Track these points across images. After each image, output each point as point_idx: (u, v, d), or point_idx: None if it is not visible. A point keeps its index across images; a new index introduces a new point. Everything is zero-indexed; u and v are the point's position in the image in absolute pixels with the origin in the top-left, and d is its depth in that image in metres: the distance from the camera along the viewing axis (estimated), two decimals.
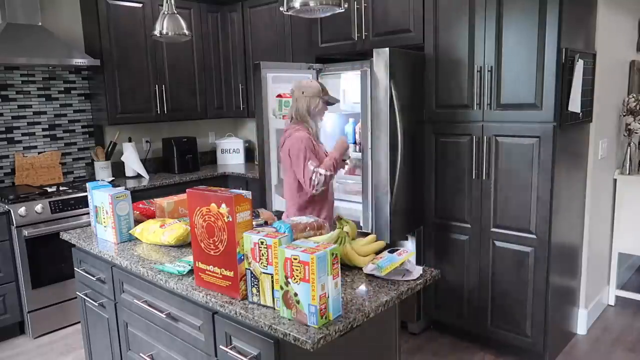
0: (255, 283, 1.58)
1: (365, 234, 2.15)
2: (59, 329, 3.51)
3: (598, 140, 3.15)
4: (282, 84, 3.24)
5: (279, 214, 2.92)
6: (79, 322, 2.71)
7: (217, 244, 1.65)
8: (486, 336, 3.05)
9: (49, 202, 3.43)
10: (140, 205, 2.50)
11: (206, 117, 4.69)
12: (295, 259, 1.41)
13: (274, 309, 1.55)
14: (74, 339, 3.37)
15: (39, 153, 3.93)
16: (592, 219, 3.19)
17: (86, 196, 2.48)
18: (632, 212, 3.47)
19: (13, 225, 3.29)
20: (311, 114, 2.71)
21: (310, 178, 2.56)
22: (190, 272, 1.84)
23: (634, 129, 3.44)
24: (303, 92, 2.70)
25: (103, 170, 4.11)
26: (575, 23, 2.73)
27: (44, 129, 3.95)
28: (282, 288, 1.48)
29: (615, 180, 3.52)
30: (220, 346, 1.66)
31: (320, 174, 2.56)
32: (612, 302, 3.65)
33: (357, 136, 3.50)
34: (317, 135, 2.77)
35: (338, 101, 2.86)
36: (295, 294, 1.44)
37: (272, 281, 1.53)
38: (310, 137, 2.66)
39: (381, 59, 2.82)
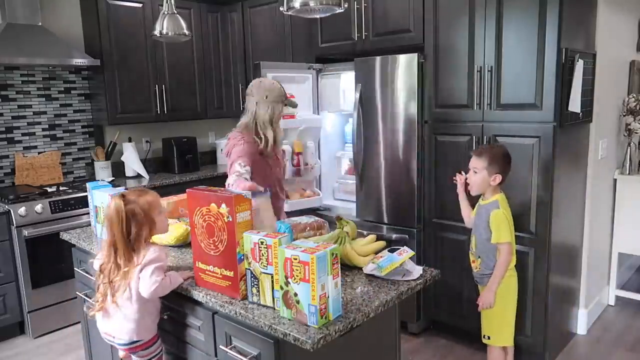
0: (255, 283, 1.58)
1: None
2: (59, 329, 3.51)
3: (598, 140, 3.15)
4: (283, 84, 3.24)
5: None
6: (79, 322, 2.71)
7: (217, 244, 1.65)
8: None
9: (49, 202, 3.43)
10: None
11: (206, 117, 4.69)
12: (295, 259, 1.41)
13: (274, 309, 1.55)
14: (74, 339, 3.37)
15: (39, 153, 3.93)
16: (592, 219, 3.19)
17: (86, 196, 2.48)
18: (632, 212, 3.47)
19: (13, 225, 3.29)
20: (274, 122, 2.37)
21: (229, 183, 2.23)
22: None
23: (634, 129, 3.44)
24: (267, 97, 2.34)
25: (103, 170, 4.11)
26: (575, 23, 2.73)
27: (44, 129, 3.95)
28: (282, 288, 1.48)
29: (615, 180, 3.52)
30: (220, 346, 1.66)
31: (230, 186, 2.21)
32: (612, 302, 3.65)
33: None
34: (278, 145, 2.48)
35: (297, 105, 2.50)
36: (295, 294, 1.44)
37: (272, 281, 1.53)
38: (256, 152, 2.36)
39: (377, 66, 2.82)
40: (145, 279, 1.69)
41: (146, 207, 1.73)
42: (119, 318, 1.77)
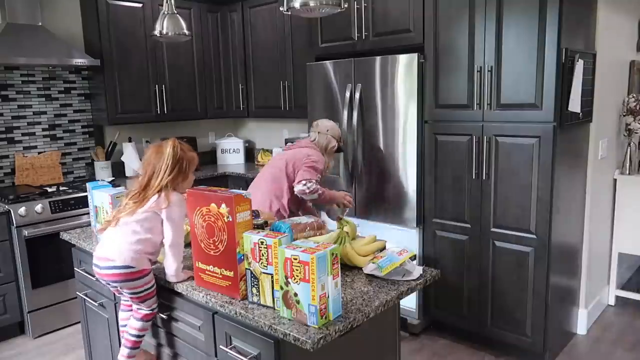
0: (255, 283, 1.58)
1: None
2: (59, 329, 3.51)
3: (598, 140, 3.15)
4: None
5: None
6: (79, 322, 2.71)
7: (217, 244, 1.65)
8: (486, 336, 3.05)
9: (49, 202, 3.43)
10: None
11: (206, 117, 4.69)
12: (295, 259, 1.41)
13: (274, 309, 1.55)
14: (74, 339, 3.37)
15: (39, 153, 3.93)
16: (592, 219, 3.19)
17: (86, 196, 2.48)
18: (632, 212, 3.47)
19: (13, 225, 3.29)
20: (327, 151, 2.89)
21: (306, 182, 2.67)
22: None
23: (634, 129, 3.44)
24: (328, 130, 2.91)
25: (103, 170, 4.11)
26: (575, 23, 2.73)
27: (44, 129, 3.95)
28: (282, 288, 1.48)
29: (615, 180, 3.52)
30: (220, 346, 1.66)
31: (312, 183, 2.67)
32: (612, 302, 3.65)
33: None
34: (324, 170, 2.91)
35: (343, 152, 3.16)
36: (295, 294, 1.44)
37: (272, 281, 1.53)
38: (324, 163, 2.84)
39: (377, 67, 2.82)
40: (178, 210, 1.82)
41: (189, 161, 1.91)
42: (118, 240, 1.82)
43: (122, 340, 1.94)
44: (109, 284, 1.88)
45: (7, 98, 3.75)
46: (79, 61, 3.68)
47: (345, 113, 3.33)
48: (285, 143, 4.29)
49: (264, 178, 2.82)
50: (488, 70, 2.79)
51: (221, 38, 4.65)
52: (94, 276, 2.31)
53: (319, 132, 2.92)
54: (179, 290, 1.79)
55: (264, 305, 1.57)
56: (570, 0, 2.60)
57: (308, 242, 1.52)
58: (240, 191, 1.64)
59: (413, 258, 1.87)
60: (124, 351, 1.92)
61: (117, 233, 1.84)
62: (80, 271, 2.41)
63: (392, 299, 1.65)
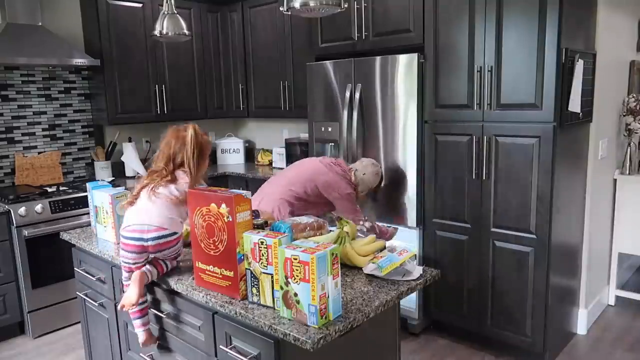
0: (255, 283, 1.58)
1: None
2: (59, 329, 3.51)
3: (598, 140, 3.15)
4: None
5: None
6: (79, 322, 2.71)
7: (217, 244, 1.65)
8: (486, 336, 3.05)
9: (49, 202, 3.43)
10: None
11: (206, 117, 4.69)
12: (295, 259, 1.41)
13: (274, 309, 1.55)
14: (74, 339, 3.37)
15: (39, 153, 3.93)
16: (592, 219, 3.19)
17: (86, 196, 2.48)
18: (632, 212, 3.47)
19: (13, 225, 3.29)
20: (358, 192, 2.90)
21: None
22: None
23: (634, 129, 3.44)
24: (364, 174, 2.91)
25: (103, 170, 4.11)
26: (575, 23, 2.73)
27: (44, 129, 3.95)
28: (282, 288, 1.48)
29: (615, 180, 3.52)
30: (220, 346, 1.66)
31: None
32: (612, 302, 3.65)
33: None
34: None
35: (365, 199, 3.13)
36: (295, 294, 1.44)
37: (272, 281, 1.53)
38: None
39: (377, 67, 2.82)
40: None
41: (203, 145, 1.99)
42: (157, 206, 1.83)
43: (130, 317, 1.92)
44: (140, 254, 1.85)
45: (7, 98, 3.75)
46: (79, 61, 3.68)
47: (345, 113, 3.34)
48: (285, 143, 4.31)
49: (279, 182, 2.80)
50: (488, 70, 2.79)
51: (221, 38, 4.65)
52: (94, 276, 2.31)
53: (364, 170, 2.94)
54: (179, 290, 1.79)
55: (264, 305, 1.57)
56: (570, 0, 2.60)
57: (308, 242, 1.52)
58: (240, 191, 1.64)
59: (413, 258, 1.87)
60: (136, 322, 1.91)
61: (152, 201, 1.83)
62: (80, 271, 2.41)
63: (392, 299, 1.65)
